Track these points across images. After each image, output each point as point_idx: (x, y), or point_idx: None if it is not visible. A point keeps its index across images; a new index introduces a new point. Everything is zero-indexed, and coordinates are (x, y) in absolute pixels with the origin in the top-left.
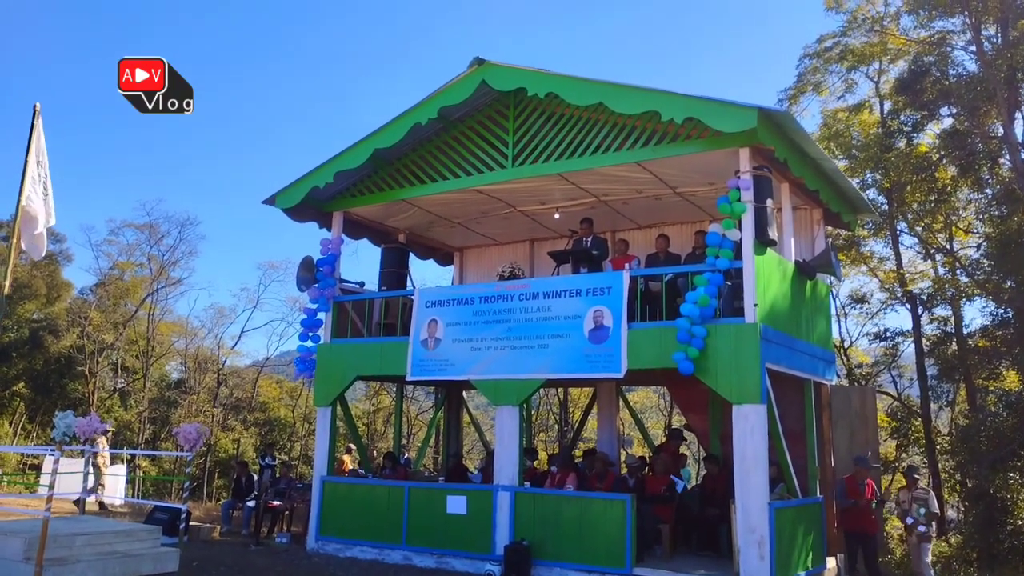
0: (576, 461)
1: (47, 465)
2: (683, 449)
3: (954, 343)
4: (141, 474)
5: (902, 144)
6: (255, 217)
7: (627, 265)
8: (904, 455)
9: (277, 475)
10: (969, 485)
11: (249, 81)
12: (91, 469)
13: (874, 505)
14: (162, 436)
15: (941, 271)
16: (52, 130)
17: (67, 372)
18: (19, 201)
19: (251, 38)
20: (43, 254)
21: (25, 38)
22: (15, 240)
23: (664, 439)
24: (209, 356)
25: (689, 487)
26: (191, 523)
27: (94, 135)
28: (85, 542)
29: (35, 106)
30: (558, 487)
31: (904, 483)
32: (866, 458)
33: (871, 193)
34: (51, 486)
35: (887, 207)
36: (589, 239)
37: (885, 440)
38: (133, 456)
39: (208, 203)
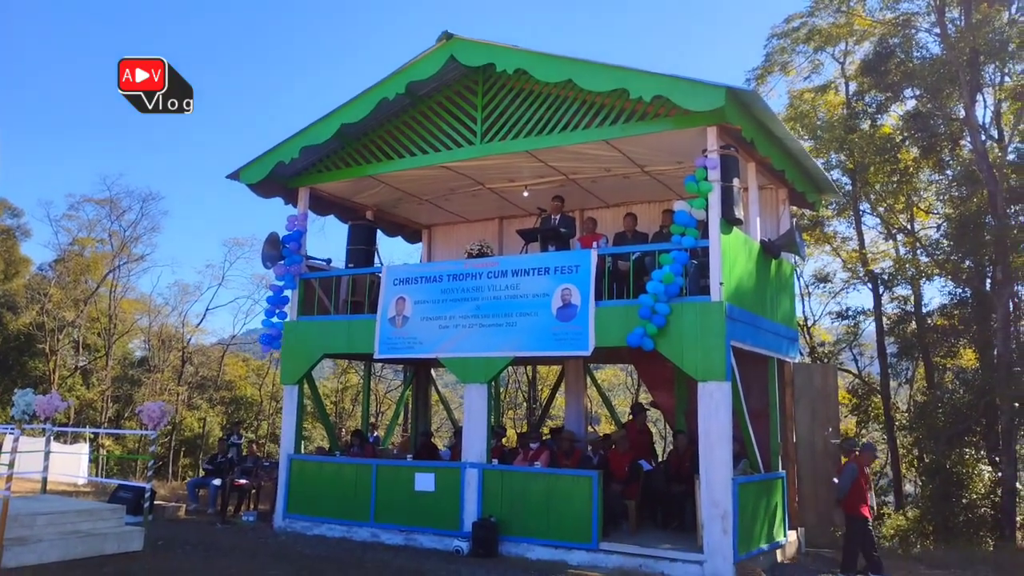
0: (545, 439)
1: (7, 444)
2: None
3: (913, 322)
4: (105, 453)
5: (866, 125)
6: (220, 193)
7: (595, 243)
8: (864, 431)
9: (244, 453)
10: (926, 460)
11: (220, 57)
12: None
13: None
14: (126, 415)
15: (902, 251)
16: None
17: (27, 350)
18: None
19: (224, 17)
20: None
21: None
22: None
23: (630, 417)
24: (173, 334)
25: (653, 465)
26: (156, 502)
27: (52, 109)
28: (47, 521)
29: None
30: (531, 461)
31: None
32: (873, 444)
33: (835, 174)
34: (11, 465)
35: (851, 188)
36: (557, 217)
37: (845, 416)
38: (96, 435)
39: (171, 179)
